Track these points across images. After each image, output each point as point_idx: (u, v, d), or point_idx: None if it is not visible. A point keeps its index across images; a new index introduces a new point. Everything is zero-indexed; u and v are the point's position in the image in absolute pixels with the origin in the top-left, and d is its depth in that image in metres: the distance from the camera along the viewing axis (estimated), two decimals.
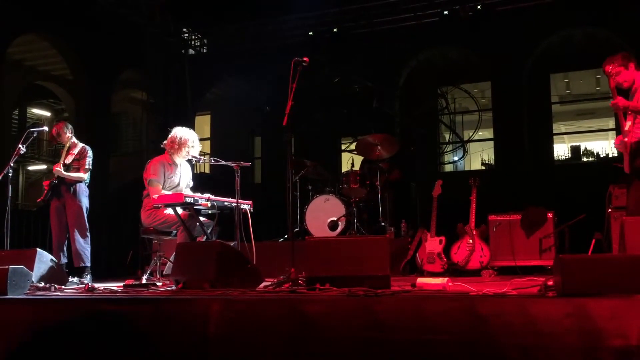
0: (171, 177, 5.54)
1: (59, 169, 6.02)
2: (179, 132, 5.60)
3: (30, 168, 20.93)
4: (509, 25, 12.24)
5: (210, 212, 5.28)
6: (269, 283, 4.17)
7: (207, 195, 5.11)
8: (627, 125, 4.66)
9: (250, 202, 5.39)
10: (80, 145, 6.26)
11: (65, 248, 6.11)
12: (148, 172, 5.46)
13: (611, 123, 15.27)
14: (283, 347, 3.05)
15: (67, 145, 6.15)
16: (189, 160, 5.73)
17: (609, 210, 5.81)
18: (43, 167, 20.38)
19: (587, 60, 12.91)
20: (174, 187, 5.54)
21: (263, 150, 16.09)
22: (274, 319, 3.12)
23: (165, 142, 5.64)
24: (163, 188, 5.44)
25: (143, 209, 5.47)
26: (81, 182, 6.13)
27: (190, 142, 5.57)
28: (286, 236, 7.28)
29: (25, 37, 12.74)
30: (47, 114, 20.52)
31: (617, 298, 2.68)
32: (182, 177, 5.67)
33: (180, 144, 5.53)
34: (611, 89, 4.66)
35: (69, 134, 6.25)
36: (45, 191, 6.12)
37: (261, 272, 4.36)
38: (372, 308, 3.00)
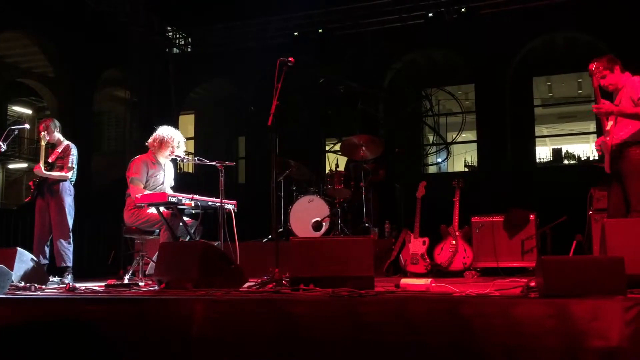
0: (155, 176, 5.50)
1: (39, 169, 5.91)
2: (164, 131, 5.56)
3: (11, 166, 20.68)
4: (493, 28, 12.35)
5: (193, 211, 5.25)
6: (253, 283, 4.15)
7: (190, 195, 5.07)
8: (609, 125, 4.72)
9: (234, 202, 5.36)
10: (65, 143, 6.15)
11: (46, 249, 5.99)
12: (130, 170, 5.41)
13: (592, 126, 15.47)
14: (266, 348, 3.05)
15: (44, 143, 6.00)
16: (174, 160, 5.69)
17: (590, 212, 5.88)
18: (23, 165, 20.15)
19: (569, 63, 13.08)
20: (157, 187, 5.50)
21: (247, 150, 16.05)
22: (257, 319, 3.11)
23: (149, 140, 5.59)
24: (146, 187, 5.39)
25: (126, 209, 5.41)
26: (64, 181, 6.01)
27: (175, 141, 5.53)
28: (270, 236, 7.26)
29: (6, 34, 12.59)
30: (29, 111, 20.30)
31: (598, 299, 2.71)
32: (166, 177, 5.63)
33: (164, 143, 5.49)
34: (594, 89, 4.71)
35: (55, 132, 6.14)
36: (32, 190, 6.03)
37: (245, 272, 4.34)
38: (356, 309, 3.00)
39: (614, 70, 4.69)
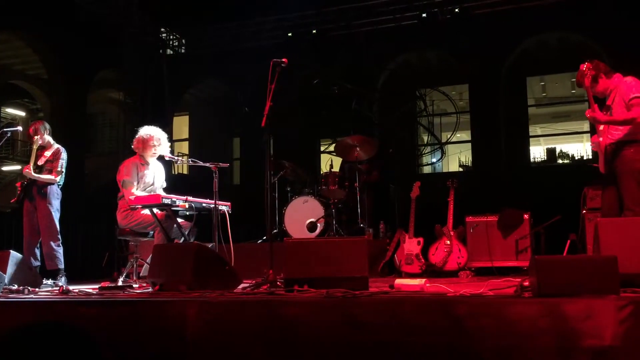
0: (145, 177, 5.51)
1: (29, 170, 5.88)
2: (144, 131, 5.64)
3: (4, 168, 20.58)
4: (486, 29, 12.37)
5: (188, 213, 5.25)
6: (247, 285, 4.15)
7: (184, 196, 5.07)
8: (602, 125, 4.74)
9: (229, 203, 5.36)
10: (56, 146, 6.13)
11: (37, 251, 5.97)
12: (121, 173, 5.43)
13: (586, 126, 15.51)
14: (261, 349, 3.04)
15: (36, 146, 5.97)
16: (162, 159, 5.69)
17: (584, 211, 5.90)
18: (17, 167, 20.05)
19: (562, 63, 13.10)
20: (148, 187, 5.51)
21: (242, 151, 16.03)
22: (251, 321, 3.10)
23: (133, 144, 5.64)
24: (137, 188, 5.40)
25: (118, 211, 5.41)
26: (53, 184, 5.98)
27: (154, 139, 5.56)
28: (265, 237, 7.25)
29: None
30: (22, 113, 20.22)
31: (591, 298, 2.72)
32: (156, 177, 5.64)
33: (145, 143, 5.54)
34: (586, 88, 4.71)
35: (45, 134, 6.11)
36: (19, 192, 6.00)
37: (239, 273, 4.34)
38: (350, 310, 3.00)
39: (598, 80, 4.72)
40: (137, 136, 5.63)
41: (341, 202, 7.32)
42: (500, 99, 13.02)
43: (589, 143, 5.11)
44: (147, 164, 5.58)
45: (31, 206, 5.99)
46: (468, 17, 12.31)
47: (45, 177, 5.94)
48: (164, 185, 5.75)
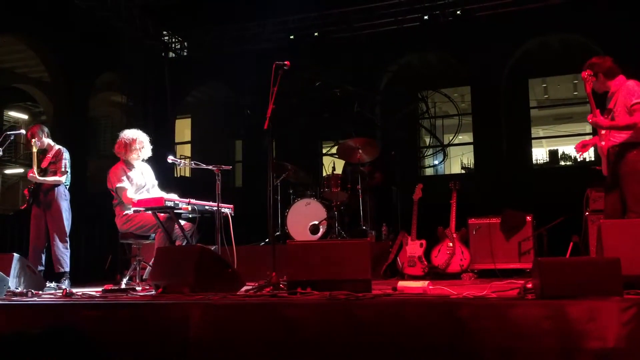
0: (134, 179, 5.50)
1: (33, 174, 5.88)
2: (126, 134, 5.63)
3: (7, 172, 20.64)
4: (488, 31, 12.37)
5: (190, 216, 5.25)
6: (250, 287, 4.15)
7: (187, 199, 5.08)
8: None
9: (231, 205, 5.37)
10: (57, 147, 6.12)
11: (42, 255, 5.96)
12: (111, 181, 5.42)
13: (588, 127, 15.51)
14: (264, 352, 3.04)
15: (35, 149, 5.96)
16: (146, 161, 5.70)
17: (587, 213, 5.89)
18: (20, 170, 20.11)
19: (564, 65, 13.10)
20: (141, 189, 5.50)
21: (244, 153, 16.04)
22: (254, 323, 3.11)
23: (115, 149, 5.62)
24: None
25: (117, 217, 5.41)
26: (59, 185, 5.99)
27: (137, 142, 5.56)
28: (267, 240, 7.25)
29: (1, 39, 12.56)
30: (25, 116, 20.27)
31: (594, 300, 2.72)
32: (146, 177, 5.63)
33: (127, 146, 5.54)
34: (587, 94, 4.74)
35: (44, 137, 6.11)
36: (27, 198, 6.00)
37: (242, 276, 4.34)
38: (353, 312, 3.00)
39: (598, 77, 4.73)
40: (118, 140, 5.61)
41: (343, 204, 7.32)
42: (502, 101, 13.01)
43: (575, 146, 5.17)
44: (133, 166, 5.58)
45: (39, 211, 5.98)
46: (469, 19, 12.32)
47: (50, 179, 5.94)
48: (155, 183, 5.74)
